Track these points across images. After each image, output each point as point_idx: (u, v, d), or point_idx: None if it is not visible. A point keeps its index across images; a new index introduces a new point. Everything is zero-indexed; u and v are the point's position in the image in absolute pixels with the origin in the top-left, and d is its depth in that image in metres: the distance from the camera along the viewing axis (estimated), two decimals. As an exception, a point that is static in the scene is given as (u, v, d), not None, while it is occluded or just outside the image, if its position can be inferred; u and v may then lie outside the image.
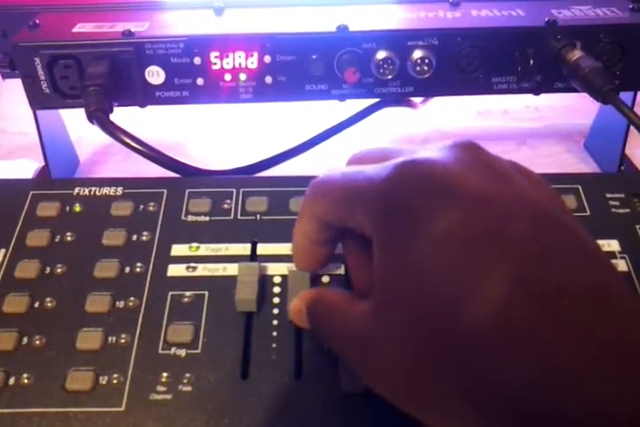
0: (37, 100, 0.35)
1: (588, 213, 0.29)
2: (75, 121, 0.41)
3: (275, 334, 0.25)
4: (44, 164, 0.39)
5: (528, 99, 0.36)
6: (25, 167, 0.43)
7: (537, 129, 0.47)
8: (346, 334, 0.21)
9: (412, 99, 0.40)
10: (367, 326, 0.20)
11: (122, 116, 0.34)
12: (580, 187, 0.30)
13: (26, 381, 0.25)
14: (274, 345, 0.25)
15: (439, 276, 0.18)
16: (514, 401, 0.16)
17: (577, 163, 0.44)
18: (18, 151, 0.45)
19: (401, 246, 0.19)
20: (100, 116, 0.31)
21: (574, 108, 0.48)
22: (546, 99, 0.37)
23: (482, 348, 0.16)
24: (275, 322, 0.26)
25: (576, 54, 0.33)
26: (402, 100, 0.40)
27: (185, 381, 0.24)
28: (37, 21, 0.35)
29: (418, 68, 0.34)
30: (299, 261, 0.25)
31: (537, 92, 0.36)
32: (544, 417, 0.16)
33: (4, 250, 0.29)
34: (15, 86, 0.36)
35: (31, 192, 0.31)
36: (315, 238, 0.24)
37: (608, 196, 0.30)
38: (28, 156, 0.44)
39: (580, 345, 0.16)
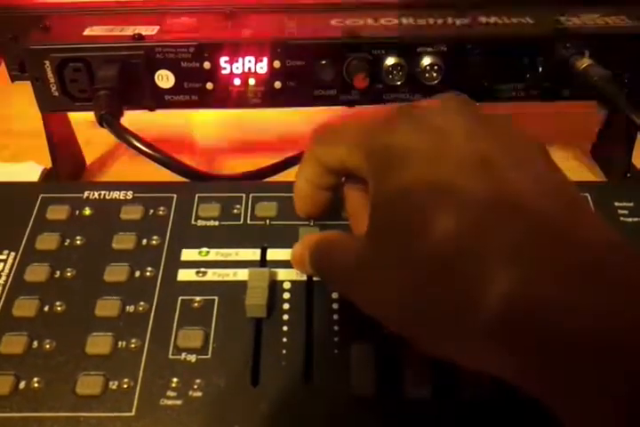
0: (46, 103, 0.35)
1: (601, 220, 0.29)
2: (82, 123, 0.41)
3: (285, 340, 0.25)
4: (50, 166, 0.39)
5: (535, 104, 0.37)
6: (31, 169, 0.43)
7: (543, 135, 0.47)
8: (344, 265, 0.22)
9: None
10: (364, 255, 0.21)
11: (134, 117, 0.34)
12: (588, 195, 0.30)
13: (36, 385, 0.25)
14: (284, 351, 0.25)
15: (419, 209, 0.18)
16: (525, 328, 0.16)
17: (583, 170, 0.44)
18: (25, 153, 0.45)
19: (392, 179, 0.20)
20: (110, 120, 0.31)
21: (581, 115, 0.48)
22: (553, 105, 0.37)
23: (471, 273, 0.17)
24: (285, 328, 0.26)
25: (585, 62, 0.33)
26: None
27: (195, 386, 0.24)
28: (48, 24, 0.35)
29: (427, 75, 0.34)
30: (300, 206, 0.27)
31: (545, 100, 0.36)
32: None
33: (13, 253, 0.29)
34: (24, 88, 0.36)
35: (41, 195, 0.31)
36: (316, 182, 0.25)
37: (617, 204, 0.30)
38: (35, 158, 0.44)
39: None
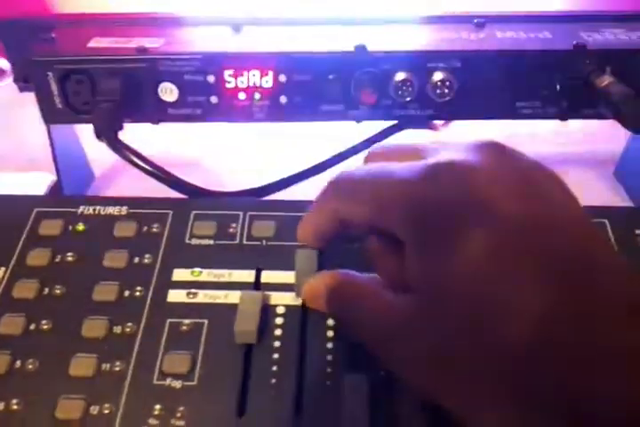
0: (50, 115, 0.35)
1: (615, 249, 0.27)
2: (93, 136, 0.41)
3: (274, 368, 0.24)
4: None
5: (556, 123, 0.35)
6: (41, 180, 0.42)
7: (565, 155, 0.45)
8: (377, 321, 0.21)
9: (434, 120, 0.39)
10: (407, 318, 0.20)
11: (137, 130, 0.34)
12: (607, 221, 0.28)
13: (15, 407, 0.24)
14: (273, 381, 0.24)
15: (478, 288, 0.18)
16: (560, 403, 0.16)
17: (606, 191, 0.42)
18: (35, 164, 0.45)
19: (442, 253, 0.19)
20: (107, 134, 0.30)
21: (604, 135, 0.46)
22: (575, 123, 0.36)
23: (523, 361, 0.17)
24: (275, 356, 0.24)
25: (606, 80, 0.32)
26: (422, 121, 0.39)
27: (178, 415, 0.23)
28: (53, 35, 0.34)
29: (438, 91, 0.33)
30: (304, 240, 0.26)
31: (563, 118, 0.34)
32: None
33: (3, 268, 0.28)
34: (33, 99, 0.35)
35: (35, 209, 0.30)
36: (325, 232, 0.24)
37: (637, 232, 0.28)
38: (45, 169, 0.44)
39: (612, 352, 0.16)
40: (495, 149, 0.21)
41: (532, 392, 0.17)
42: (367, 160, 0.24)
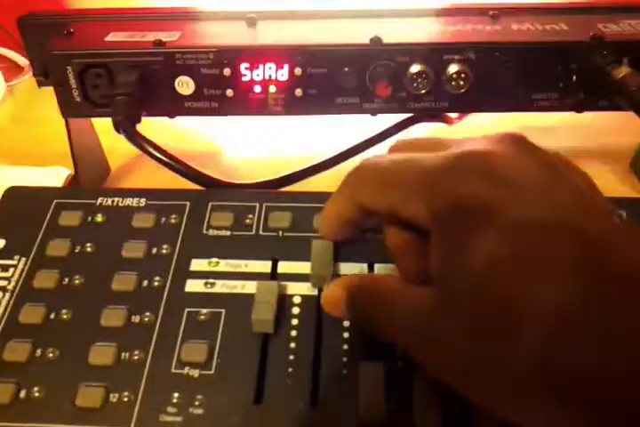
0: (68, 109, 0.35)
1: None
2: (109, 129, 0.41)
3: (291, 357, 0.24)
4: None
5: (572, 115, 0.35)
6: (58, 174, 0.43)
7: (580, 147, 0.45)
8: (404, 322, 0.20)
9: (448, 113, 0.39)
10: (431, 317, 0.19)
11: (156, 122, 0.34)
12: (624, 212, 0.28)
13: (37, 394, 0.24)
14: (290, 369, 0.24)
15: (501, 284, 0.17)
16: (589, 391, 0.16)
17: (622, 184, 0.41)
18: (53, 158, 0.45)
19: (468, 247, 0.18)
20: (125, 126, 0.30)
21: (620, 127, 0.45)
22: (591, 115, 0.35)
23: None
24: (292, 345, 0.25)
25: (623, 71, 0.32)
26: (437, 114, 0.39)
27: (197, 403, 0.23)
28: (72, 30, 0.35)
29: (453, 83, 0.33)
30: (326, 234, 0.26)
31: (580, 110, 0.34)
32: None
33: (24, 259, 0.28)
34: (52, 93, 0.36)
35: (55, 201, 0.30)
36: (348, 219, 0.24)
37: (654, 222, 0.28)
38: (63, 163, 0.44)
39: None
40: (518, 141, 0.21)
41: (568, 386, 0.16)
42: (391, 151, 0.24)
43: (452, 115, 0.40)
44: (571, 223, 0.18)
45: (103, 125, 0.40)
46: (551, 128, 0.47)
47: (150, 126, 0.34)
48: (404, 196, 0.21)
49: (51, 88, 0.35)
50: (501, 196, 0.18)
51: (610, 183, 0.42)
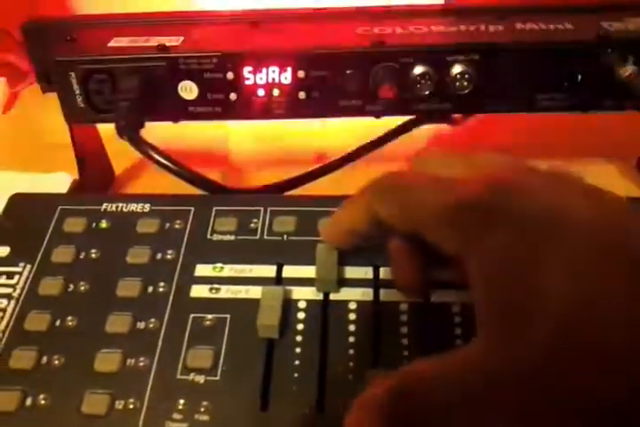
0: (72, 114, 0.35)
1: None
2: (113, 135, 0.41)
3: (297, 362, 0.24)
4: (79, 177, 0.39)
5: (577, 114, 0.34)
6: (62, 180, 0.43)
7: (586, 147, 0.45)
8: (459, 390, 0.16)
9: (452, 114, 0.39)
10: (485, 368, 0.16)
11: (160, 127, 0.34)
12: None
13: (43, 402, 0.24)
14: (295, 375, 0.24)
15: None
16: None
17: (627, 184, 0.41)
18: (57, 164, 0.45)
19: (515, 288, 0.17)
20: (128, 131, 0.30)
21: (626, 126, 0.45)
22: (596, 115, 0.35)
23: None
24: (297, 350, 0.25)
25: (628, 70, 0.31)
26: (442, 115, 0.38)
27: (202, 409, 0.23)
28: (75, 36, 0.35)
29: (457, 84, 0.32)
30: (331, 239, 0.26)
31: (585, 110, 0.34)
32: None
33: (29, 266, 0.28)
34: (56, 99, 0.36)
35: (59, 207, 0.30)
36: (359, 229, 0.23)
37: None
38: (67, 168, 0.44)
39: None
40: (550, 174, 0.20)
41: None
42: (415, 164, 0.23)
43: (456, 115, 0.39)
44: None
45: (107, 130, 0.40)
46: (556, 128, 0.46)
47: (153, 130, 0.34)
48: (433, 223, 0.20)
49: (55, 94, 0.35)
50: (545, 231, 0.17)
51: (615, 182, 0.41)
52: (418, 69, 0.32)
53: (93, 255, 0.28)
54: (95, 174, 0.41)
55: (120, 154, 0.44)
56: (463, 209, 0.19)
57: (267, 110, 0.34)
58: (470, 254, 0.18)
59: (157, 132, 0.34)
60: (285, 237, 0.28)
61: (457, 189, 0.19)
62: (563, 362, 0.15)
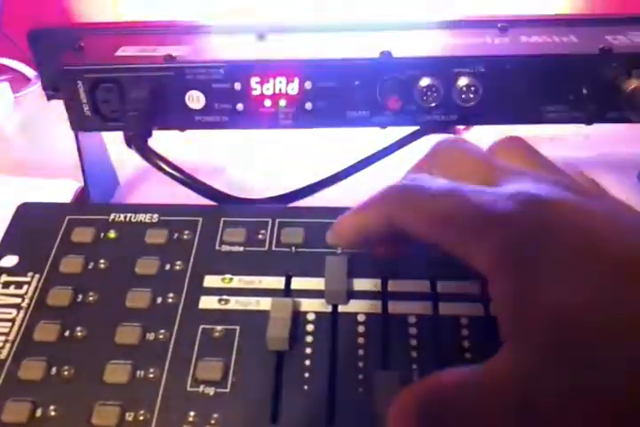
0: (78, 122, 0.35)
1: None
2: (117, 142, 0.41)
3: (307, 375, 0.24)
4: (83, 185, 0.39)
5: (578, 126, 0.35)
6: (67, 187, 0.43)
7: (586, 158, 0.45)
8: (489, 397, 0.17)
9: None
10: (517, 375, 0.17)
11: (166, 137, 0.34)
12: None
13: (53, 413, 0.24)
14: (305, 387, 0.24)
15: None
16: None
17: (628, 195, 0.41)
18: (61, 169, 0.45)
19: (543, 301, 0.17)
20: (137, 141, 0.30)
21: (627, 138, 0.45)
22: (597, 126, 0.35)
23: None
24: (307, 362, 0.25)
25: (632, 84, 0.32)
26: (444, 126, 0.39)
27: (212, 422, 0.23)
28: (82, 44, 0.35)
29: (463, 96, 0.33)
30: (339, 239, 0.24)
31: (589, 122, 0.34)
32: None
33: (38, 275, 0.28)
34: (61, 106, 0.36)
35: (67, 217, 0.30)
36: (372, 232, 0.23)
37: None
38: (71, 174, 0.44)
39: None
40: (582, 192, 0.20)
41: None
42: (432, 154, 0.23)
43: (459, 126, 0.39)
44: None
45: (111, 137, 0.40)
46: (560, 139, 0.47)
47: (159, 139, 0.34)
48: (458, 236, 0.19)
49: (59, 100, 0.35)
50: (576, 249, 0.17)
51: (616, 194, 0.42)
52: (424, 81, 0.32)
53: (102, 265, 0.29)
54: (100, 182, 0.41)
55: (124, 161, 0.45)
56: (493, 225, 0.19)
57: (273, 121, 0.34)
58: (502, 276, 0.18)
59: (162, 139, 0.34)
60: (294, 248, 0.28)
61: (485, 203, 0.19)
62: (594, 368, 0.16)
